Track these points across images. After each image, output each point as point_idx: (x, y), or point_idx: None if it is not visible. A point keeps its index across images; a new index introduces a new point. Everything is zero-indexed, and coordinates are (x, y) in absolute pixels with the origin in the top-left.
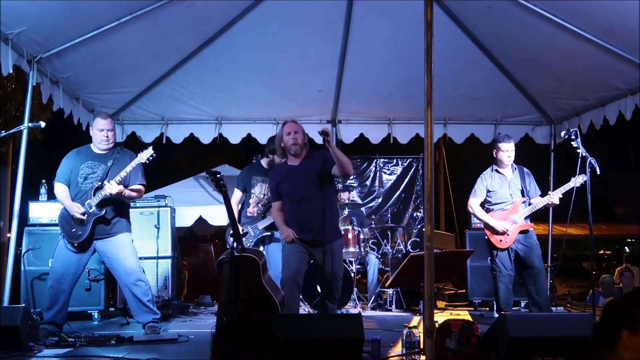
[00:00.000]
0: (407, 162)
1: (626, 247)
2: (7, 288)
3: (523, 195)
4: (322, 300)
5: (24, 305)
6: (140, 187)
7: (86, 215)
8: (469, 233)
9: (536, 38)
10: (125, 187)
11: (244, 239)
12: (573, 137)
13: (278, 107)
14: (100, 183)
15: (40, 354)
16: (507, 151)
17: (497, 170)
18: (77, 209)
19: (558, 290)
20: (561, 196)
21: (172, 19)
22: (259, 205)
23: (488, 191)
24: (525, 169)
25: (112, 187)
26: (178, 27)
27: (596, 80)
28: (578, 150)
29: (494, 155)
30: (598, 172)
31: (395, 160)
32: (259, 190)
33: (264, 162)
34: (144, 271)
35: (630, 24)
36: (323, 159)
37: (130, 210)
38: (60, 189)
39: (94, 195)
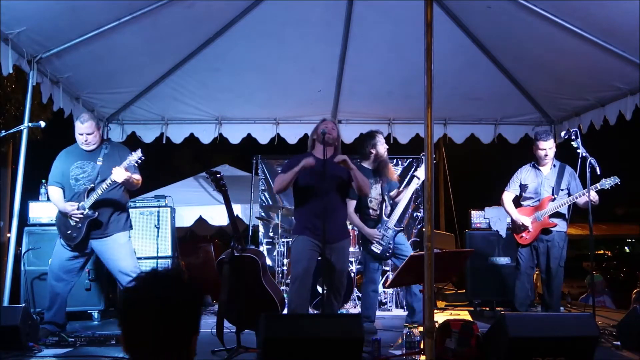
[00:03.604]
0: (407, 162)
1: (626, 247)
2: (7, 288)
3: (553, 193)
4: (327, 298)
5: (24, 305)
6: (138, 176)
7: (81, 216)
8: (469, 233)
9: (536, 38)
10: (116, 186)
11: (379, 240)
12: (573, 137)
13: (278, 107)
14: (92, 184)
15: (40, 354)
16: (544, 149)
17: (534, 165)
18: (70, 207)
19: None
20: (594, 193)
21: (172, 19)
22: (379, 206)
23: (522, 185)
24: (568, 167)
25: (119, 174)
26: (178, 27)
27: (596, 80)
28: (578, 151)
29: (533, 152)
30: (598, 172)
31: (395, 160)
32: (375, 192)
33: (367, 164)
34: (140, 268)
35: (630, 24)
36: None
37: (130, 210)
38: (53, 192)
39: (87, 197)
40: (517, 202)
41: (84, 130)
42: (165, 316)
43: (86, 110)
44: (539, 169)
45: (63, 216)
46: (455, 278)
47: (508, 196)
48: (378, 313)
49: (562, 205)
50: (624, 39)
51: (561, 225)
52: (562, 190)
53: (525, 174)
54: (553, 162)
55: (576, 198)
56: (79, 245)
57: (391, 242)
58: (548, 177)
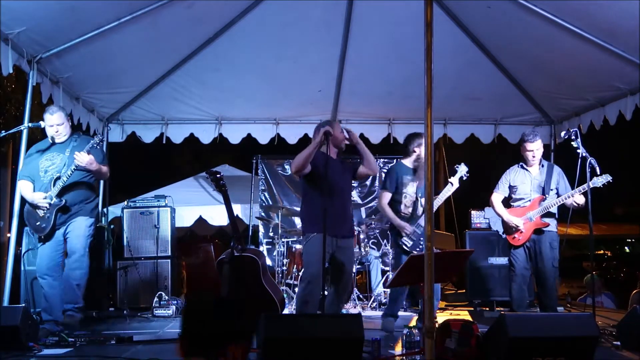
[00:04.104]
0: None
1: (626, 247)
2: (7, 288)
3: (544, 193)
4: (334, 298)
5: (24, 305)
6: (106, 167)
7: (48, 206)
8: (469, 233)
9: (536, 38)
10: (85, 175)
11: (409, 235)
12: (573, 137)
13: (278, 107)
14: (59, 174)
15: (40, 354)
16: (532, 150)
17: (522, 166)
18: (38, 197)
19: (558, 290)
20: (581, 197)
21: (172, 19)
22: (412, 205)
23: (511, 186)
24: (556, 167)
25: (81, 157)
26: (178, 27)
27: (596, 80)
28: (578, 151)
29: (521, 153)
30: (598, 172)
31: (395, 160)
32: (411, 190)
33: (407, 161)
34: (87, 255)
35: (631, 24)
36: (351, 163)
37: (130, 209)
38: (23, 186)
39: (53, 186)
40: (506, 203)
41: (54, 121)
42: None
43: (86, 110)
44: (527, 170)
45: (32, 208)
46: (455, 278)
47: (497, 197)
48: (378, 313)
49: (554, 205)
50: (624, 39)
51: (552, 225)
52: (551, 189)
53: (513, 175)
54: (541, 162)
55: (567, 198)
56: (49, 235)
57: (422, 239)
58: (537, 177)
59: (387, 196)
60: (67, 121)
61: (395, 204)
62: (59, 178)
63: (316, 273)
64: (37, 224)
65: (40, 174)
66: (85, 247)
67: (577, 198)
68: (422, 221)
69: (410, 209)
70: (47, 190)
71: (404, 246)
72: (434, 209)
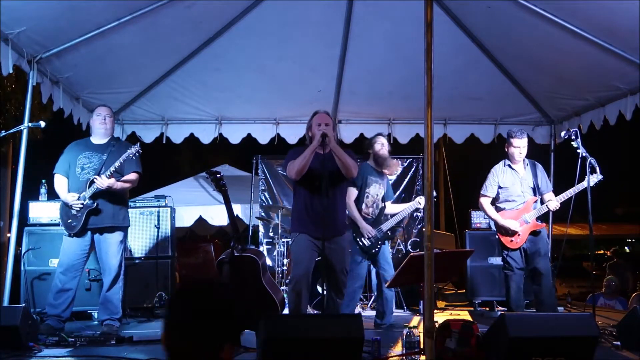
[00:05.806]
0: (407, 162)
1: (626, 247)
2: (7, 288)
3: (535, 194)
4: (329, 295)
5: (24, 305)
6: (134, 175)
7: (81, 206)
8: (469, 233)
9: (536, 38)
10: (119, 179)
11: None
12: (573, 137)
13: (278, 107)
14: (96, 176)
15: (40, 354)
16: (518, 147)
17: (509, 166)
18: (71, 198)
19: (558, 290)
20: (557, 205)
21: (172, 19)
22: (374, 205)
23: (499, 187)
24: (537, 164)
25: (102, 182)
26: (178, 27)
27: (596, 80)
28: (578, 151)
29: (506, 150)
30: (598, 172)
31: (395, 160)
32: (374, 190)
33: (371, 162)
34: (126, 270)
35: (630, 24)
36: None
37: (130, 210)
38: (58, 180)
39: (88, 187)
40: (493, 202)
41: (104, 112)
42: (193, 322)
43: (86, 110)
44: (514, 170)
45: (65, 205)
46: (455, 278)
47: (487, 201)
48: None
49: (543, 209)
50: (624, 39)
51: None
52: (539, 188)
53: (502, 176)
54: (525, 162)
55: (563, 198)
56: (78, 233)
57: (380, 243)
58: (525, 178)
59: (353, 193)
60: (114, 121)
61: (356, 202)
62: (94, 181)
63: (302, 273)
64: (69, 221)
65: (76, 170)
66: (119, 263)
67: (553, 204)
68: (384, 226)
69: (370, 210)
70: (81, 190)
71: (361, 244)
72: (397, 218)
